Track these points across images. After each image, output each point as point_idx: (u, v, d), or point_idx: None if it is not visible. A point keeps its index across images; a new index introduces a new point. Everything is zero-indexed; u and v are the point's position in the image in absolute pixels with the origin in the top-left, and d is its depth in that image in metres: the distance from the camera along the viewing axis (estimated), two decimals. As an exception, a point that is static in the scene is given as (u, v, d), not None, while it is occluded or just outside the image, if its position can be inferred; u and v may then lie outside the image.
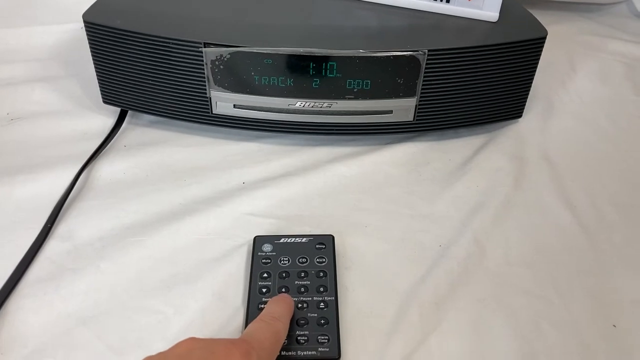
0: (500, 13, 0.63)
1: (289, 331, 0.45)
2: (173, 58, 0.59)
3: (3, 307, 0.47)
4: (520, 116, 0.68)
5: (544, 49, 0.62)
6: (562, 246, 0.55)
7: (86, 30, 0.61)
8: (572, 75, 0.80)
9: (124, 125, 0.68)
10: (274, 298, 0.45)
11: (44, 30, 0.84)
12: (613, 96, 0.77)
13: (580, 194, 0.61)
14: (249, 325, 0.41)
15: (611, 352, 0.45)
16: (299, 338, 0.45)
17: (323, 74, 0.59)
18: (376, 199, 0.59)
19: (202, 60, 0.59)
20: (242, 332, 0.45)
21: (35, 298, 0.48)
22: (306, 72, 0.59)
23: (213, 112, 0.63)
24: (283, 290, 0.48)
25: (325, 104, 0.61)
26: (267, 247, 0.52)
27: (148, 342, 0.45)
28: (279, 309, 0.43)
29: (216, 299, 0.48)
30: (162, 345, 0.44)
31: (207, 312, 0.47)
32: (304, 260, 0.51)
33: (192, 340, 0.37)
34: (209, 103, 0.62)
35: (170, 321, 0.46)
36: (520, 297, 0.50)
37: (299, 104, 0.61)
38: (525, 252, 0.54)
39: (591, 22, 0.96)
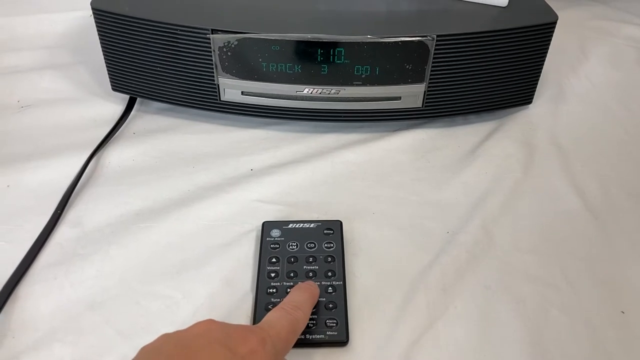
0: (510, -2, 0.62)
1: None
2: (181, 45, 0.59)
3: (14, 292, 0.47)
4: (530, 102, 0.68)
5: (555, 34, 0.62)
6: (571, 233, 0.54)
7: (94, 18, 0.61)
8: (583, 60, 0.79)
9: (132, 112, 0.68)
10: (299, 285, 0.45)
11: (52, 18, 0.84)
12: (625, 81, 0.76)
13: (590, 180, 0.60)
14: (269, 313, 0.40)
15: (620, 339, 0.45)
16: (307, 322, 0.45)
17: (331, 60, 0.58)
18: (384, 186, 0.59)
19: (210, 47, 0.59)
20: (251, 317, 0.46)
21: (45, 283, 0.48)
22: (314, 58, 0.58)
23: (221, 99, 0.63)
24: (292, 275, 0.48)
25: (333, 91, 0.61)
26: (275, 233, 0.52)
27: (157, 326, 0.45)
28: (301, 297, 0.43)
29: (224, 284, 0.49)
30: (170, 330, 0.44)
31: (216, 297, 0.48)
32: (313, 245, 0.51)
33: (210, 321, 0.37)
34: (217, 90, 0.62)
35: (179, 306, 0.47)
36: (528, 283, 0.49)
37: (306, 90, 0.61)
38: (534, 239, 0.54)
39: (604, 6, 0.94)
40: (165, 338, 0.35)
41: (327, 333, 0.44)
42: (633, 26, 0.88)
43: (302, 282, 0.46)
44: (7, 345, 0.44)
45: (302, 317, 0.41)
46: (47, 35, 0.82)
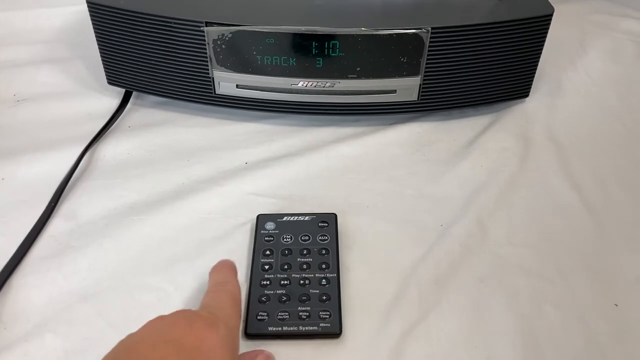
0: (506, -10, 0.62)
1: (291, 307, 0.45)
2: (175, 38, 0.59)
3: (7, 284, 0.48)
4: (527, 96, 0.67)
5: (554, 28, 0.61)
6: (566, 227, 0.54)
7: (89, 11, 0.61)
8: (582, 54, 0.79)
9: (128, 106, 0.68)
10: (213, 267, 0.45)
11: (49, 12, 0.84)
12: (624, 76, 0.76)
13: (586, 175, 0.60)
14: (203, 299, 0.40)
15: (613, 331, 0.45)
16: (300, 314, 0.45)
17: (326, 53, 0.58)
18: (379, 179, 0.59)
19: (204, 40, 0.58)
20: (244, 309, 0.46)
21: (38, 275, 0.49)
22: (309, 51, 0.58)
23: (216, 93, 0.63)
24: (285, 267, 0.48)
25: (328, 84, 0.60)
26: (270, 225, 0.52)
27: (148, 319, 0.45)
28: (221, 274, 0.43)
29: (217, 277, 0.49)
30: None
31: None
32: (307, 238, 0.51)
33: (158, 318, 0.36)
34: (211, 83, 0.62)
35: (171, 298, 0.47)
36: (521, 277, 0.49)
37: (301, 83, 0.61)
38: (529, 233, 0.53)
39: (605, 0, 0.93)
40: (119, 344, 0.35)
41: (321, 325, 0.44)
42: (633, 20, 0.87)
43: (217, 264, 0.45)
44: (-1, 336, 0.44)
45: (234, 287, 0.41)
46: (44, 30, 0.82)
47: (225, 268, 0.44)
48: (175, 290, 0.48)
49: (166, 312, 0.45)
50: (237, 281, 0.43)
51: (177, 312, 0.37)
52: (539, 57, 0.63)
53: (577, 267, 0.50)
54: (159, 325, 0.36)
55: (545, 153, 0.62)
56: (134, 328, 0.44)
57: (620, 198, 0.57)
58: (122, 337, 0.43)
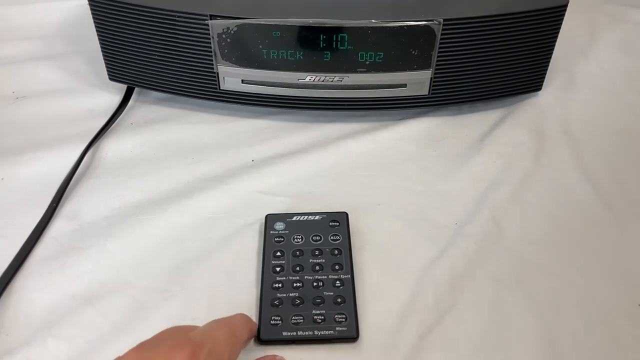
0: (519, -20, 0.60)
1: (305, 310, 0.44)
2: (179, 32, 0.58)
3: (9, 287, 0.46)
4: (539, 89, 0.66)
5: (565, 19, 0.60)
6: (583, 223, 0.53)
7: (90, 5, 0.60)
8: (594, 46, 0.77)
9: (130, 102, 0.66)
10: None
11: (48, 7, 0.82)
12: (636, 67, 0.74)
13: (602, 169, 0.58)
14: (204, 325, 0.38)
15: (636, 332, 0.44)
16: (315, 317, 0.43)
17: (334, 46, 0.57)
18: (389, 176, 0.57)
19: (209, 34, 0.57)
20: (256, 313, 0.45)
21: (40, 277, 0.47)
22: (316, 44, 0.57)
23: (221, 88, 0.61)
24: (297, 268, 0.47)
25: (336, 78, 0.59)
26: (279, 225, 0.50)
27: (154, 321, 0.44)
28: (234, 316, 0.40)
29: (224, 277, 0.47)
30: (166, 324, 0.42)
31: (215, 291, 0.46)
32: (318, 238, 0.49)
33: (135, 350, 0.34)
34: (216, 78, 0.61)
35: (177, 300, 0.46)
36: (539, 276, 0.48)
37: (308, 78, 0.59)
38: (545, 230, 0.52)
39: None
40: None
41: (337, 328, 0.43)
42: (645, 11, 0.85)
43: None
44: (0, 341, 0.42)
45: (239, 326, 0.39)
46: (43, 25, 0.80)
47: (242, 316, 0.41)
48: (181, 291, 0.46)
49: (172, 314, 0.44)
50: (246, 330, 0.40)
51: (160, 344, 0.35)
52: (553, 49, 0.62)
53: (596, 265, 0.49)
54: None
55: (559, 147, 0.61)
56: (139, 331, 0.43)
57: (636, 193, 0.56)
58: (128, 340, 0.41)
